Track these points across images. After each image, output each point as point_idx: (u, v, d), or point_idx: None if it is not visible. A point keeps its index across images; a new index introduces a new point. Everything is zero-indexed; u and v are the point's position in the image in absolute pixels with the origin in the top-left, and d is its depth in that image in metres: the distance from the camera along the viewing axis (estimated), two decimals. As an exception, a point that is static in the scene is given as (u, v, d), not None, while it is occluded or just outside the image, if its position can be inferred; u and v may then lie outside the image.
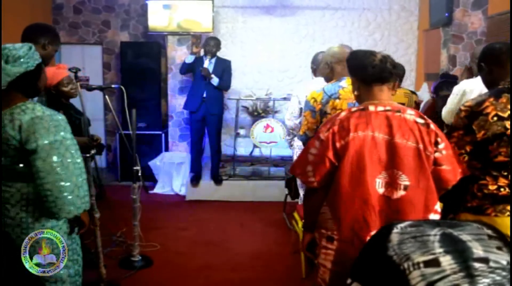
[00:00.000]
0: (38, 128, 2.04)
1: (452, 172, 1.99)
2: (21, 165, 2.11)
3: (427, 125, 1.96)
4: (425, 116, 2.00)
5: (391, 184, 1.92)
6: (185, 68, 5.59)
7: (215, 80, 5.42)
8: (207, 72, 5.37)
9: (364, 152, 1.91)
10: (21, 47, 2.09)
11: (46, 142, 2.04)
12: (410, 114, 1.96)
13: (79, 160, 2.16)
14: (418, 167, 1.91)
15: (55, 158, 2.05)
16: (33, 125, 2.04)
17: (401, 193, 1.91)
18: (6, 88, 2.04)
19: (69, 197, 2.08)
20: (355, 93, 2.11)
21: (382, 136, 1.92)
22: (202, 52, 5.67)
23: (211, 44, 5.47)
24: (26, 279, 2.11)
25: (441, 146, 1.96)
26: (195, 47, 5.66)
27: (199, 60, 5.57)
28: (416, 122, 1.95)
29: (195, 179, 5.69)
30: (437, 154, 1.95)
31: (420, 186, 1.91)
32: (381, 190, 1.92)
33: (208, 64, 5.43)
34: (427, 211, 1.92)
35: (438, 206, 1.97)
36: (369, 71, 1.99)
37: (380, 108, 1.97)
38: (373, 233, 1.88)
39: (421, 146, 1.91)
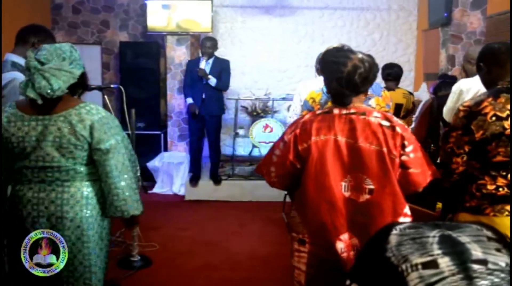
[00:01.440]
0: (108, 127, 2.08)
1: (422, 174, 1.95)
2: (83, 165, 2.11)
3: (392, 127, 1.90)
4: (393, 118, 1.95)
5: (356, 187, 1.90)
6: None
7: (212, 81, 5.38)
8: (204, 73, 5.32)
9: (326, 156, 1.89)
10: (69, 48, 2.10)
11: (116, 141, 2.09)
12: (375, 117, 1.92)
13: (134, 157, 2.27)
14: (382, 170, 1.87)
15: (125, 157, 2.13)
16: (104, 125, 2.07)
17: (366, 196, 1.89)
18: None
19: (136, 194, 2.20)
20: (327, 92, 2.10)
21: (345, 140, 1.90)
22: (200, 53, 5.68)
23: (207, 45, 5.40)
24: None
25: (408, 149, 1.91)
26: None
27: (195, 62, 5.55)
28: (381, 125, 1.89)
29: (194, 179, 5.68)
30: (404, 157, 1.91)
31: (386, 190, 1.88)
32: (347, 193, 1.91)
33: (205, 64, 5.37)
34: (396, 215, 1.90)
35: (407, 209, 1.94)
36: (332, 86, 1.94)
37: (344, 111, 1.94)
38: (341, 236, 1.92)
39: (385, 149, 1.87)
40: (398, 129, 1.90)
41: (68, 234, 2.10)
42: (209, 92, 5.43)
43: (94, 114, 2.07)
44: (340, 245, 1.91)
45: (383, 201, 1.88)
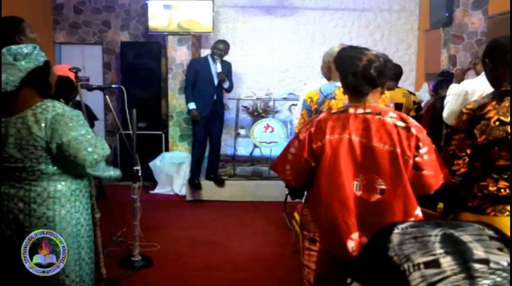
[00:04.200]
0: (62, 125, 2.07)
1: (434, 177, 1.94)
2: (49, 164, 2.12)
3: (407, 128, 1.91)
4: (409, 119, 1.95)
5: (368, 187, 1.91)
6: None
7: (227, 83, 5.44)
8: (224, 76, 5.34)
9: (340, 155, 1.90)
10: (26, 46, 2.11)
11: (70, 138, 2.07)
12: (390, 117, 1.92)
13: (103, 147, 2.25)
14: (394, 171, 1.88)
15: (86, 150, 2.10)
16: (56, 123, 2.06)
17: (377, 196, 1.90)
18: (20, 85, 2.05)
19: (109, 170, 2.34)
20: (343, 91, 2.10)
21: (358, 139, 1.91)
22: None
23: (221, 47, 5.38)
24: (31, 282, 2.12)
25: (422, 150, 1.91)
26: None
27: (203, 62, 5.50)
28: (396, 126, 1.90)
29: (195, 186, 5.61)
30: (417, 159, 1.91)
31: (397, 191, 1.88)
32: (358, 192, 1.91)
33: (219, 68, 5.37)
34: (406, 216, 1.89)
35: (419, 211, 1.94)
36: (348, 80, 1.96)
37: (360, 111, 1.95)
38: (352, 235, 1.91)
39: (398, 150, 1.87)
40: (413, 130, 1.91)
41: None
42: (219, 94, 5.46)
43: (49, 112, 2.07)
44: (350, 244, 1.91)
45: (394, 202, 1.89)
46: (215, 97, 5.40)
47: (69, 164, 2.12)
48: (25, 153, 2.06)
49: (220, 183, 5.66)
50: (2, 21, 2.92)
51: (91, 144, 2.12)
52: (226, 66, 5.50)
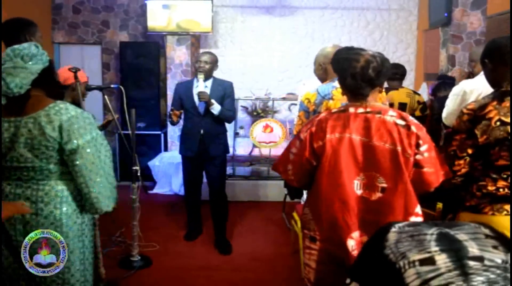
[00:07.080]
0: (76, 127, 2.07)
1: (435, 174, 1.96)
2: (58, 164, 2.12)
3: (407, 127, 1.92)
4: (408, 118, 1.96)
5: (369, 186, 1.92)
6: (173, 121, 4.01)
7: (215, 108, 3.91)
8: (207, 96, 3.88)
9: (340, 154, 1.92)
10: (29, 46, 2.10)
11: (84, 140, 2.08)
12: (390, 116, 1.94)
13: (109, 154, 2.25)
14: (395, 169, 1.89)
15: (96, 155, 2.11)
16: (71, 125, 2.06)
17: (378, 195, 1.92)
18: (30, 87, 2.04)
19: (108, 190, 2.20)
20: (342, 92, 2.11)
21: (359, 138, 1.92)
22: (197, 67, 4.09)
23: (203, 59, 3.98)
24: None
25: (422, 148, 1.93)
26: (174, 115, 3.95)
27: (186, 85, 4.12)
28: (396, 124, 1.92)
29: (190, 236, 4.32)
30: (418, 156, 1.93)
31: (398, 189, 1.90)
32: (359, 191, 1.93)
33: (201, 86, 3.95)
34: (407, 214, 1.91)
35: (419, 209, 1.95)
36: (347, 82, 1.97)
37: (360, 110, 1.96)
38: (353, 234, 1.92)
39: (399, 148, 1.89)
40: (413, 128, 1.93)
41: None
42: (208, 126, 4.00)
43: (63, 114, 2.07)
44: (351, 243, 1.93)
45: (395, 199, 1.90)
46: (201, 132, 3.99)
47: (72, 166, 2.11)
48: (36, 153, 2.06)
49: (226, 249, 4.08)
50: (14, 20, 2.93)
51: (97, 151, 2.12)
52: (221, 87, 4.03)
